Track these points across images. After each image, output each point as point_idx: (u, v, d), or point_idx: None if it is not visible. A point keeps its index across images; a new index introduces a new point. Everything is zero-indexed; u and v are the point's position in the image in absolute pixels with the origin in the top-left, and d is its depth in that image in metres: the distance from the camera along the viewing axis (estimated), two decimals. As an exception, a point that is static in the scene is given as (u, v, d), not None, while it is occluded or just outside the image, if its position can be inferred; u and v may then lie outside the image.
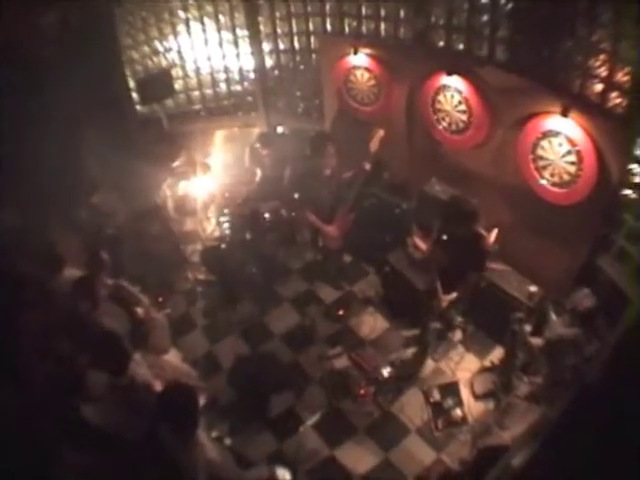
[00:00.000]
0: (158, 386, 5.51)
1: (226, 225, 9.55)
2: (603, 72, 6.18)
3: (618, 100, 6.15)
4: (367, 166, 7.40)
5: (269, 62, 9.66)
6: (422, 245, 7.62)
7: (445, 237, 6.65)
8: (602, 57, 6.14)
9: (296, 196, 8.05)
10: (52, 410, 5.42)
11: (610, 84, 6.16)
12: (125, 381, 5.40)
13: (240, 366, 7.56)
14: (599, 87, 6.30)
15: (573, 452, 4.08)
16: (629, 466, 3.69)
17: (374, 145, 7.36)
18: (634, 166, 6.27)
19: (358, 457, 6.76)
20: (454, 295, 6.87)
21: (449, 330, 7.73)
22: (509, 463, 5.41)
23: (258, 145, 9.20)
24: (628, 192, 6.46)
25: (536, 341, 6.68)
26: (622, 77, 6.02)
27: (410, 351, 7.61)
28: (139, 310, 6.38)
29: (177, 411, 4.73)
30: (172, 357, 6.67)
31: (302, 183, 7.73)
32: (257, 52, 9.53)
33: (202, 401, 6.10)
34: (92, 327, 5.84)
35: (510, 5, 6.86)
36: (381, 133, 7.37)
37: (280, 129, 10.40)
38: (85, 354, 5.64)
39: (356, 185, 7.57)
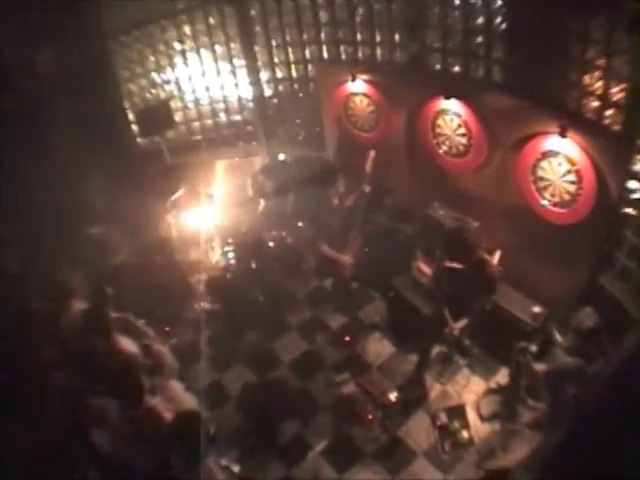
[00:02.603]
0: (168, 415, 5.54)
1: (231, 255, 9.54)
2: (598, 89, 6.21)
3: (614, 117, 6.18)
4: (367, 188, 7.49)
5: (267, 91, 9.72)
6: (426, 270, 7.64)
7: (448, 265, 6.71)
8: (597, 74, 6.18)
9: (300, 224, 8.11)
10: (63, 441, 5.43)
11: (606, 101, 6.18)
12: (140, 411, 5.46)
13: (248, 394, 7.57)
14: (595, 104, 6.33)
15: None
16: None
17: (368, 167, 7.52)
18: (633, 182, 6.27)
19: (366, 481, 6.75)
20: (464, 322, 6.84)
21: (462, 355, 7.71)
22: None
23: (261, 178, 9.28)
24: (628, 209, 6.45)
25: (540, 367, 6.63)
26: (617, 93, 6.06)
27: (416, 375, 7.56)
28: (146, 342, 6.42)
29: (185, 438, 4.79)
30: (175, 388, 6.67)
31: (312, 216, 7.80)
32: (255, 81, 9.58)
33: (212, 430, 6.12)
34: (106, 359, 5.88)
35: (504, 25, 6.92)
36: (372, 154, 7.53)
37: (282, 157, 10.43)
38: (98, 386, 5.67)
39: (359, 208, 7.66)
